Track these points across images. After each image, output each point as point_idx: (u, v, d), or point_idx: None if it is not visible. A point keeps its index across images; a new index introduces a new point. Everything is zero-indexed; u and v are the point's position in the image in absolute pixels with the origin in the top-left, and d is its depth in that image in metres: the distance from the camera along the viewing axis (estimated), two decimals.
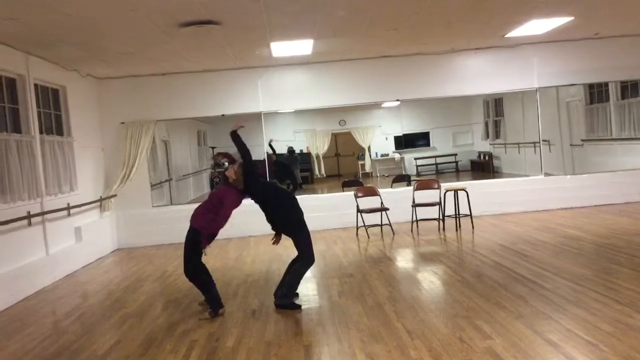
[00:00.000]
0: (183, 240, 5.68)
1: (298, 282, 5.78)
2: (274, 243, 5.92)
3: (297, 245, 5.76)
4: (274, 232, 5.90)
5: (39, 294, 7.27)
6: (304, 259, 5.75)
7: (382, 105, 14.16)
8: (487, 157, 16.24)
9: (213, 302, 5.60)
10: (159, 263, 8.73)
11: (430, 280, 6.30)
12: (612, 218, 9.26)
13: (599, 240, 7.59)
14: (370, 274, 6.77)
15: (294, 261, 5.86)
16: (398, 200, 10.12)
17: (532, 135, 11.82)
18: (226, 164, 5.77)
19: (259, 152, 13.81)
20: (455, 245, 8.26)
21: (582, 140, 12.97)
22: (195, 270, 5.62)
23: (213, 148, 17.68)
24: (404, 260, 7.78)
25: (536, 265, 6.47)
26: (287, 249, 8.60)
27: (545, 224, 9.22)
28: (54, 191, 8.30)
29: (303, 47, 9.00)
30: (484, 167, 16.25)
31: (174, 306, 6.10)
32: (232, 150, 5.67)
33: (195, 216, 5.61)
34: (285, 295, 5.69)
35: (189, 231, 5.60)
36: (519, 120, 13.64)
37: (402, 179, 11.81)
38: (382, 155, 17.49)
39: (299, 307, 5.58)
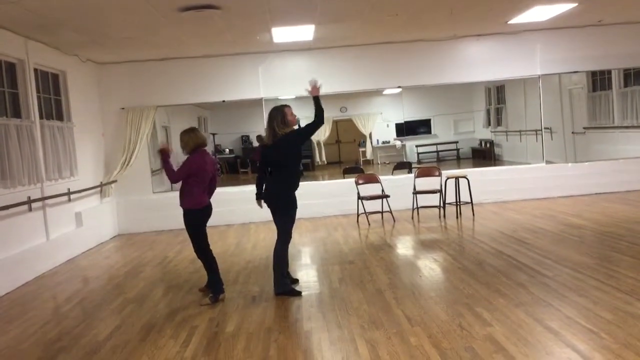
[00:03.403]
0: (183, 226, 5.70)
1: (286, 261, 5.70)
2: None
3: (282, 222, 5.61)
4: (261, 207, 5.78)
5: (39, 279, 7.28)
6: (283, 237, 5.62)
7: (384, 92, 14.10)
8: (488, 145, 16.19)
9: (216, 284, 5.62)
10: (159, 249, 8.73)
11: (431, 268, 6.29)
12: (613, 206, 9.24)
13: (600, 228, 7.58)
14: (371, 261, 6.77)
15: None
16: (399, 187, 10.11)
17: (534, 123, 11.77)
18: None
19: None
20: (455, 233, 8.25)
21: (584, 128, 12.92)
22: (199, 248, 5.66)
23: (214, 134, 17.68)
24: (404, 247, 7.77)
25: (537, 252, 6.46)
26: None
27: (546, 211, 9.21)
28: (54, 176, 8.29)
29: (304, 32, 8.93)
30: (485, 155, 16.20)
31: (175, 292, 6.11)
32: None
33: (179, 198, 5.67)
34: (279, 279, 5.63)
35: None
36: (520, 108, 13.57)
37: (403, 166, 11.76)
38: (383, 143, 17.44)
39: (299, 293, 5.57)
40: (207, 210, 5.67)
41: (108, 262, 8.22)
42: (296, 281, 5.97)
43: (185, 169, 5.57)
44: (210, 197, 5.78)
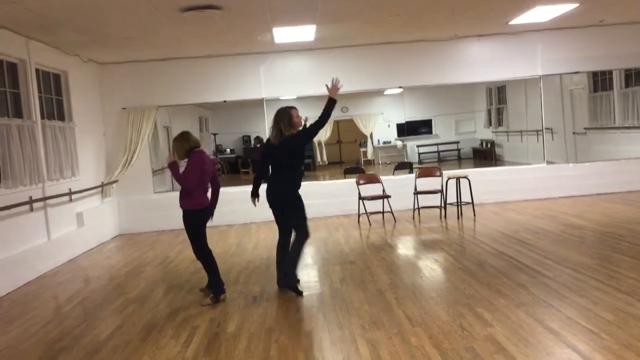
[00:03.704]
0: (183, 226, 5.71)
1: (298, 260, 5.70)
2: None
3: (296, 221, 5.64)
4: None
5: (40, 279, 7.29)
6: (302, 234, 5.64)
7: (385, 92, 14.10)
8: (489, 145, 16.19)
9: (216, 285, 5.64)
10: (160, 249, 8.74)
11: (432, 268, 6.30)
12: (614, 206, 9.24)
13: (600, 229, 7.58)
14: (372, 261, 6.77)
15: (280, 244, 5.83)
16: (400, 187, 10.11)
17: (534, 123, 11.76)
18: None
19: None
20: (456, 233, 8.25)
21: (585, 128, 12.91)
22: (198, 250, 5.67)
23: (215, 134, 17.68)
24: (405, 247, 7.78)
25: (537, 253, 6.46)
26: None
27: (547, 212, 9.21)
28: (55, 176, 8.30)
29: (305, 33, 8.94)
30: (486, 155, 16.20)
31: (176, 292, 6.11)
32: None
33: (180, 199, 5.66)
34: (288, 273, 5.65)
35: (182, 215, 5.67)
36: (521, 108, 13.57)
37: (404, 166, 11.76)
38: (384, 143, 17.44)
39: (301, 293, 5.58)
40: (206, 211, 5.67)
41: (109, 262, 8.23)
42: (297, 281, 5.97)
43: (193, 169, 5.54)
44: (216, 198, 5.80)
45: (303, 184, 5.80)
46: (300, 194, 5.69)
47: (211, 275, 5.69)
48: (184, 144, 5.67)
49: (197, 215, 5.59)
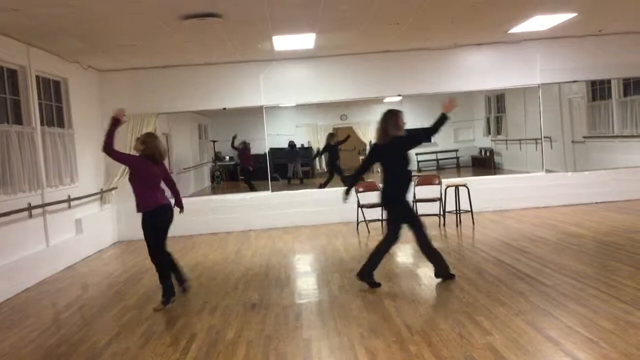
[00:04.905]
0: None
1: (379, 260, 5.88)
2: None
3: (392, 220, 5.87)
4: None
5: (39, 285, 7.28)
6: (390, 235, 5.85)
7: (384, 101, 14.14)
8: (488, 153, 16.23)
9: (169, 289, 5.80)
10: None
11: (430, 276, 6.28)
12: (613, 215, 9.25)
13: (599, 238, 7.59)
14: None
15: (416, 242, 6.04)
16: None
17: (533, 132, 11.80)
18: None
19: (260, 146, 13.81)
20: (455, 241, 8.25)
21: (584, 137, 12.96)
22: (153, 253, 5.80)
23: (214, 142, 17.70)
24: (404, 255, 7.77)
25: (536, 261, 6.47)
26: (287, 244, 8.63)
27: (546, 220, 9.22)
28: (54, 183, 8.30)
29: (305, 41, 8.96)
30: (485, 163, 16.24)
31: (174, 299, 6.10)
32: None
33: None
34: (365, 269, 5.84)
35: None
36: (520, 117, 13.63)
37: None
38: None
39: (378, 285, 5.79)
40: (162, 211, 5.72)
41: (108, 268, 8.22)
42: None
43: (126, 157, 5.79)
44: (178, 199, 6.00)
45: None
46: (404, 196, 5.79)
47: (163, 281, 5.79)
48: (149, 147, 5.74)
49: (151, 215, 5.69)
